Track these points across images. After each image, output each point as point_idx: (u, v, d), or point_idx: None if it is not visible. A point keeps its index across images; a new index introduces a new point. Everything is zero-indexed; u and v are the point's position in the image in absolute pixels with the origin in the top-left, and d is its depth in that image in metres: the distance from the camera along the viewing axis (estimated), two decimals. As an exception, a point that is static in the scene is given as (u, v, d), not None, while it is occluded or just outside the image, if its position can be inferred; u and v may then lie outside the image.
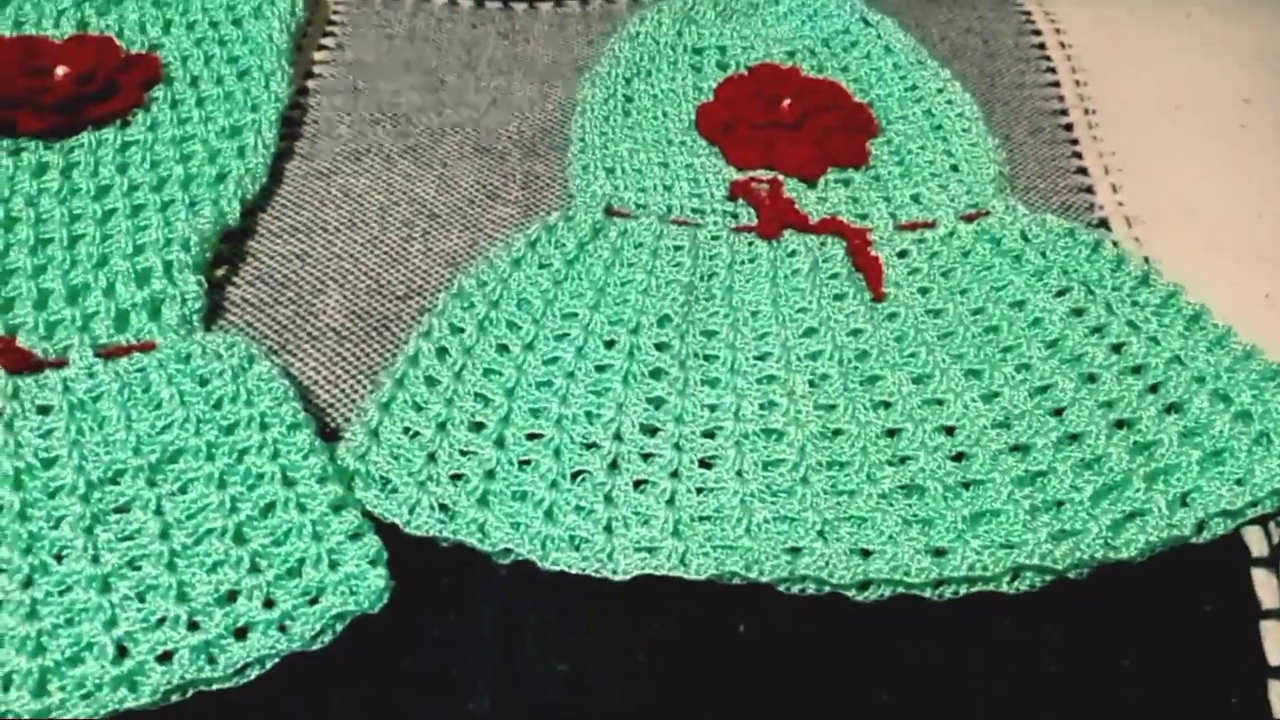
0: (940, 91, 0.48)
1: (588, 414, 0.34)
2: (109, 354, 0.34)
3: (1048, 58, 0.54)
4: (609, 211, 0.41)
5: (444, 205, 0.43)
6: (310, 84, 0.48)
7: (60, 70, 0.44)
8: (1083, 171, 0.47)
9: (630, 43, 0.49)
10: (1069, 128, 0.50)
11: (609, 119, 0.46)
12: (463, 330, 0.36)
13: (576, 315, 0.37)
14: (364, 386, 0.36)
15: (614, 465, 0.32)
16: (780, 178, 0.43)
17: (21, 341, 0.34)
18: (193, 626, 0.28)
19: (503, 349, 0.36)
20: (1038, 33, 0.56)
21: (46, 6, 0.48)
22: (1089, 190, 0.46)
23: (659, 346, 0.36)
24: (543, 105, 0.48)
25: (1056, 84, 0.53)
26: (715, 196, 0.42)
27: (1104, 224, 0.44)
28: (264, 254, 0.40)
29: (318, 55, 0.50)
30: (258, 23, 0.48)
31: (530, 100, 0.48)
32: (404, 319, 0.38)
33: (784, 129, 0.44)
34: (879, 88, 0.48)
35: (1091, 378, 0.35)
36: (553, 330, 0.36)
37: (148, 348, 0.34)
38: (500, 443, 0.33)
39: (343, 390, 0.35)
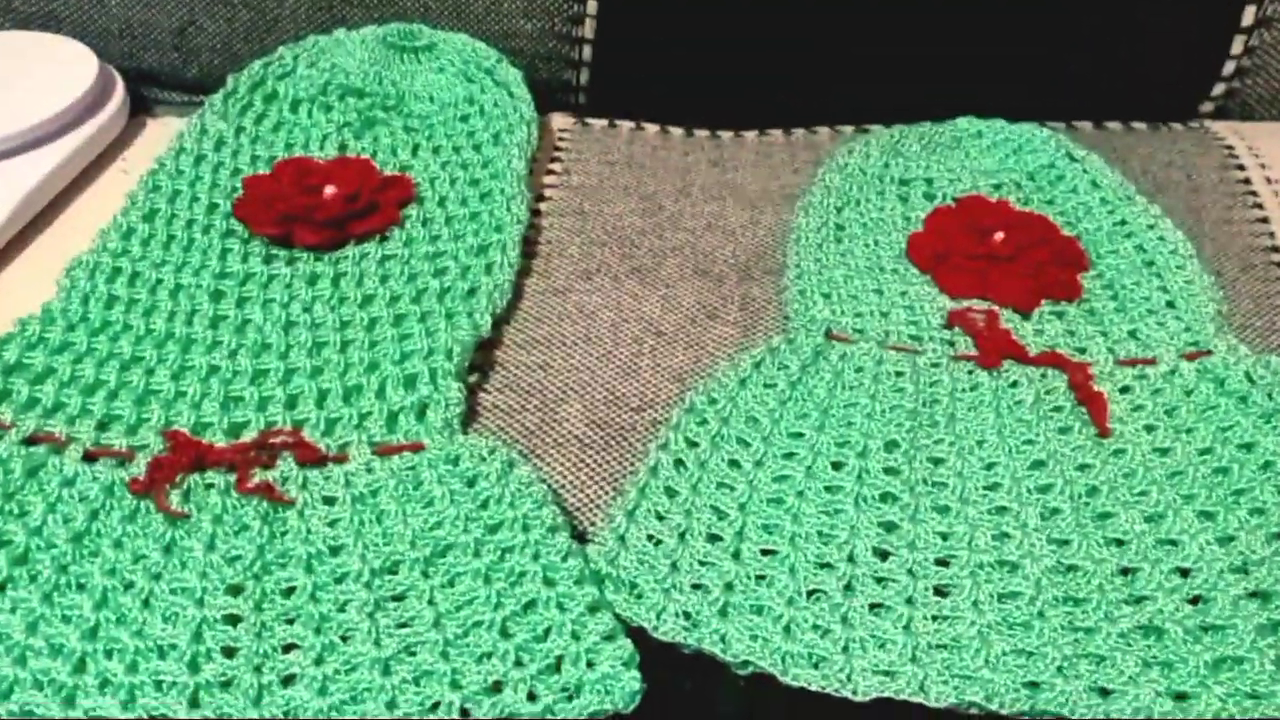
0: (1151, 227, 0.48)
1: (820, 534, 0.35)
2: (383, 451, 0.37)
3: (1254, 193, 0.54)
4: (828, 335, 0.43)
5: (669, 324, 0.45)
6: (542, 206, 0.52)
7: (329, 189, 0.49)
8: (1301, 311, 0.47)
9: (840, 173, 0.52)
10: (1281, 265, 0.50)
11: (823, 246, 0.48)
12: (697, 444, 0.38)
13: (803, 435, 0.38)
14: (607, 493, 0.38)
15: (849, 587, 0.34)
16: (996, 309, 0.44)
17: (307, 435, 0.38)
18: (463, 714, 0.30)
19: (734, 464, 0.38)
20: (1241, 168, 0.56)
21: (313, 131, 0.54)
22: (1309, 331, 0.46)
23: (888, 471, 0.37)
24: (754, 230, 0.51)
25: (1265, 219, 0.53)
26: (932, 324, 0.44)
27: (1329, 366, 0.44)
28: (510, 364, 0.43)
29: (546, 179, 0.54)
30: (497, 149, 0.53)
31: (742, 225, 0.51)
32: (639, 430, 0.40)
33: (998, 261, 0.45)
34: (1087, 222, 0.49)
35: (1333, 527, 0.35)
36: (781, 449, 0.38)
37: (417, 448, 0.37)
38: (737, 556, 0.35)
39: (587, 495, 0.38)
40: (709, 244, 0.50)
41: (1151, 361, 0.42)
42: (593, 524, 0.37)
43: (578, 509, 0.37)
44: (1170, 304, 0.45)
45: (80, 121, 0.54)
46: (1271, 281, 0.49)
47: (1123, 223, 0.49)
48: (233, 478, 0.36)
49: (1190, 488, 0.37)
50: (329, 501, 0.35)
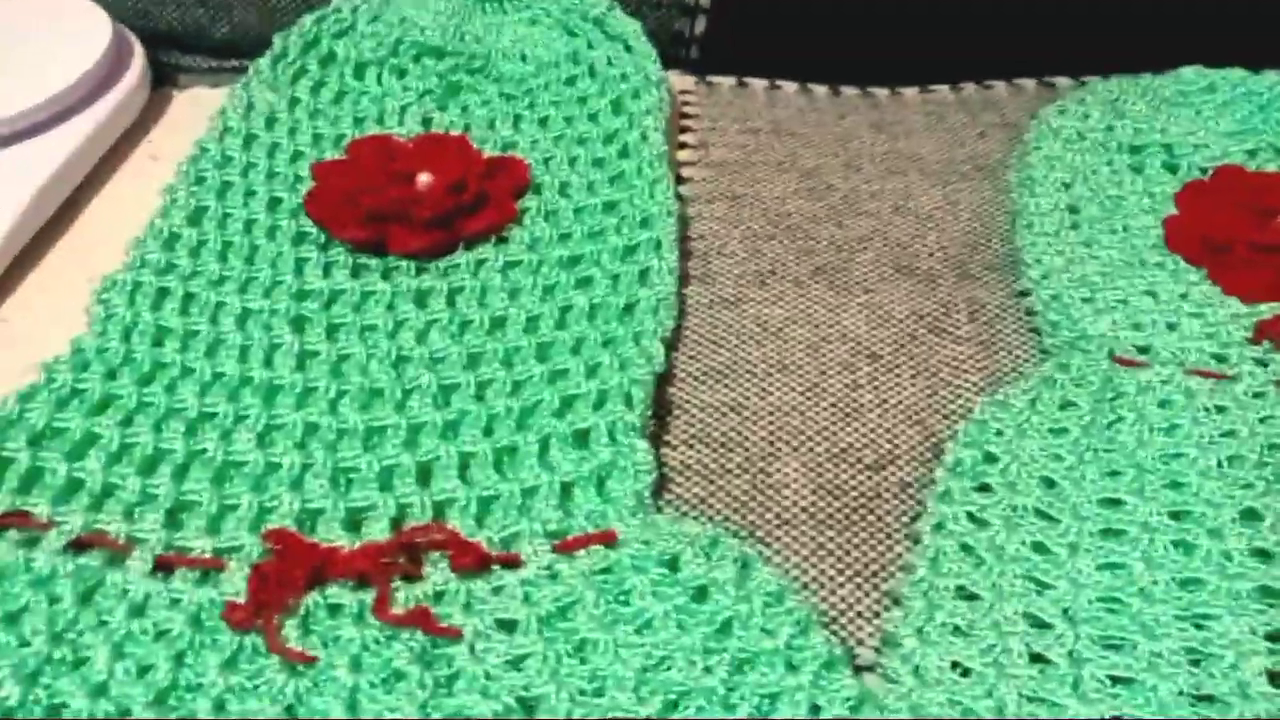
0: None
1: (1189, 652, 0.25)
2: (566, 547, 0.27)
3: None
4: (1114, 359, 0.33)
5: (883, 342, 0.35)
6: (682, 190, 0.42)
7: (423, 178, 0.39)
8: None
9: (1056, 139, 0.42)
10: None
11: (1059, 234, 0.38)
12: (987, 524, 0.28)
13: (1122, 505, 0.29)
14: (864, 593, 0.28)
15: (1248, 730, 0.24)
16: (1314, 316, 0.34)
17: (456, 524, 0.28)
18: None
19: (1040, 549, 0.28)
20: None
21: (387, 101, 0.43)
22: None
23: (1256, 554, 0.27)
24: (954, 213, 0.41)
25: None
26: (1234, 338, 0.34)
27: None
28: (691, 405, 0.33)
29: (680, 155, 0.44)
30: (620, 119, 0.42)
31: (937, 207, 0.41)
32: (885, 497, 0.30)
33: (1300, 251, 0.35)
34: (1376, 195, 0.39)
35: None
36: (1095, 523, 0.28)
37: (609, 539, 0.27)
38: (1076, 687, 0.25)
39: (840, 598, 0.28)
40: (903, 232, 0.40)
41: None
42: (860, 643, 0.27)
43: (833, 621, 0.28)
44: None
45: (94, 98, 0.43)
46: None
47: None
48: (369, 597, 0.25)
49: None
50: (506, 628, 0.25)
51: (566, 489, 0.29)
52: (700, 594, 0.26)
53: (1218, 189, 0.39)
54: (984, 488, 0.29)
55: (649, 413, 0.31)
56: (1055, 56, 0.49)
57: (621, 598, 0.26)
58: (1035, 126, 0.43)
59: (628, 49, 0.45)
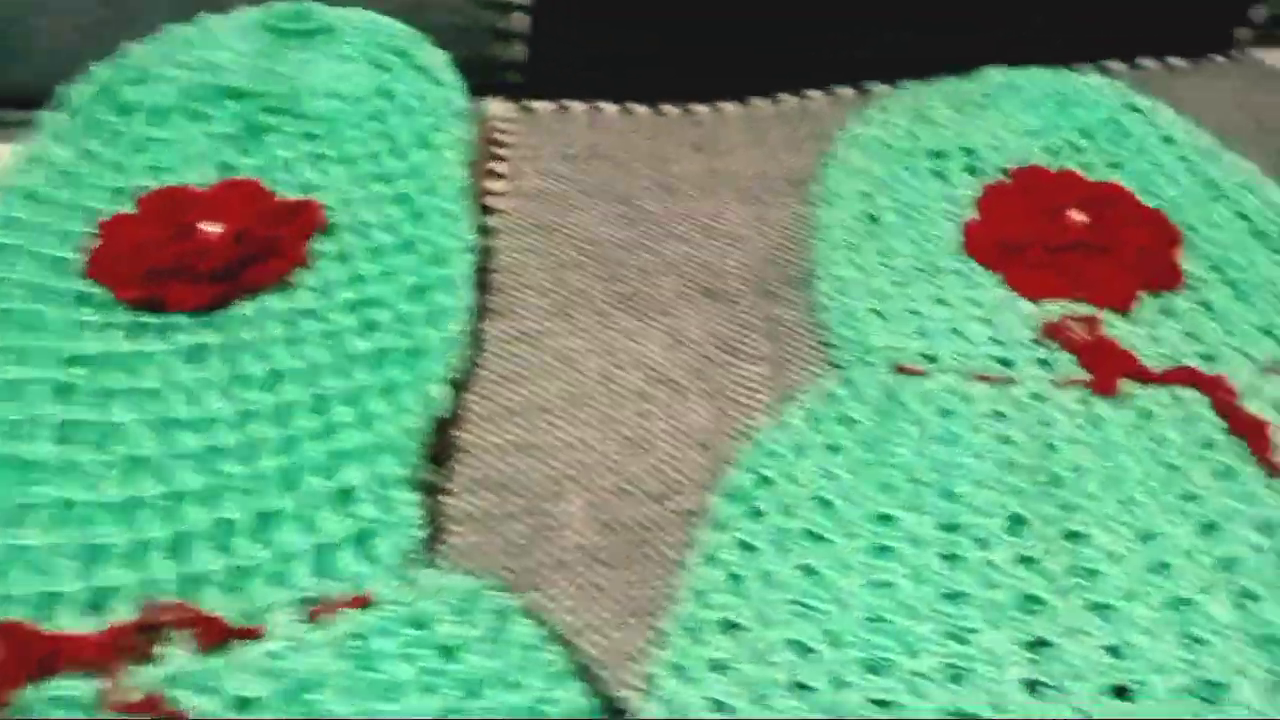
0: (1246, 188, 0.39)
1: (951, 669, 0.25)
2: (318, 614, 0.26)
3: (1334, 133, 0.46)
4: (896, 369, 0.33)
5: (679, 366, 0.35)
6: (489, 222, 0.41)
7: (208, 228, 0.37)
8: None
9: (857, 149, 0.42)
10: (1394, 218, 0.41)
11: (855, 246, 0.38)
12: (754, 549, 0.28)
13: (894, 520, 0.28)
14: (638, 634, 0.28)
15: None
16: (1098, 313, 0.35)
17: (208, 598, 0.26)
18: None
19: (809, 573, 0.27)
20: (1310, 102, 0.47)
21: (187, 149, 0.42)
22: None
23: (1021, 561, 0.27)
24: (763, 230, 0.41)
25: (1358, 163, 0.44)
26: (1019, 340, 0.34)
27: None
28: (479, 448, 0.32)
29: (491, 186, 0.43)
30: (423, 153, 0.42)
31: (747, 225, 0.41)
32: (667, 528, 0.30)
33: (1089, 250, 0.36)
34: (1169, 188, 0.40)
35: None
36: (870, 539, 0.28)
37: (362, 603, 0.26)
38: (836, 714, 0.25)
39: (610, 640, 0.27)
40: (711, 253, 0.40)
41: (1303, 364, 0.33)
42: (629, 688, 0.26)
43: (602, 667, 0.27)
44: (1301, 286, 0.36)
45: None
46: (1391, 240, 0.40)
47: (1211, 185, 0.40)
48: (99, 685, 0.24)
49: None
50: (244, 705, 0.24)
51: (329, 552, 0.28)
52: (449, 653, 0.25)
53: (1016, 191, 0.39)
54: (756, 513, 0.29)
55: (422, 463, 0.30)
56: (873, 62, 0.49)
57: (369, 664, 0.25)
58: (837, 136, 0.43)
59: (436, 82, 0.45)
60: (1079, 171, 0.40)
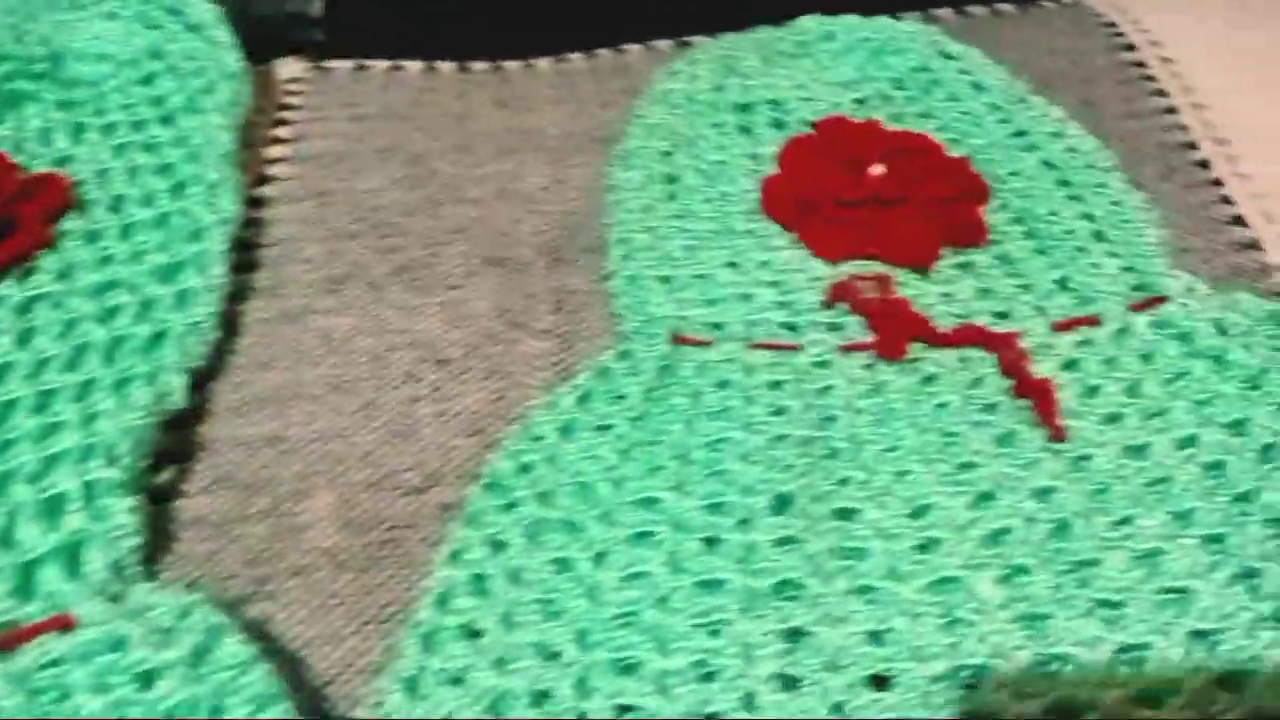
0: (1056, 135, 0.38)
1: (699, 666, 0.24)
2: (8, 642, 0.23)
3: (1152, 77, 0.45)
4: (674, 339, 0.31)
5: (456, 344, 0.32)
6: (266, 190, 0.38)
7: (-62, 206, 0.34)
8: (1239, 221, 0.38)
9: (662, 105, 0.39)
10: (1204, 165, 0.40)
11: (651, 208, 0.36)
12: (505, 546, 0.26)
13: (659, 502, 0.27)
14: (370, 644, 0.25)
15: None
16: (890, 272, 0.33)
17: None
18: None
19: (563, 566, 0.26)
20: (1131, 48, 0.46)
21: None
22: (1255, 246, 0.37)
23: (781, 543, 0.26)
24: (561, 192, 0.38)
25: (1173, 109, 0.43)
26: (807, 304, 0.32)
27: (1290, 289, 0.35)
28: (225, 442, 0.29)
29: (272, 151, 0.40)
30: (192, 118, 0.38)
31: (545, 187, 0.38)
32: (422, 524, 0.28)
33: (886, 204, 0.34)
34: (977, 137, 0.38)
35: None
36: (630, 526, 0.26)
37: (63, 625, 0.24)
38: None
39: (343, 654, 0.25)
40: (504, 218, 0.37)
41: (1094, 321, 0.32)
42: (359, 704, 0.24)
43: (331, 676, 0.25)
44: (1099, 235, 0.35)
45: None
46: (1198, 187, 0.40)
47: (1021, 133, 0.38)
48: None
49: (1183, 498, 0.27)
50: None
51: (29, 570, 0.25)
52: (146, 680, 0.22)
53: (816, 144, 0.37)
54: (511, 505, 0.27)
55: (145, 460, 0.28)
56: (697, 11, 0.47)
57: (59, 696, 0.22)
58: (644, 92, 0.41)
59: (210, 41, 0.41)
60: (887, 122, 0.39)
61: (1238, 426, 0.29)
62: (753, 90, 0.40)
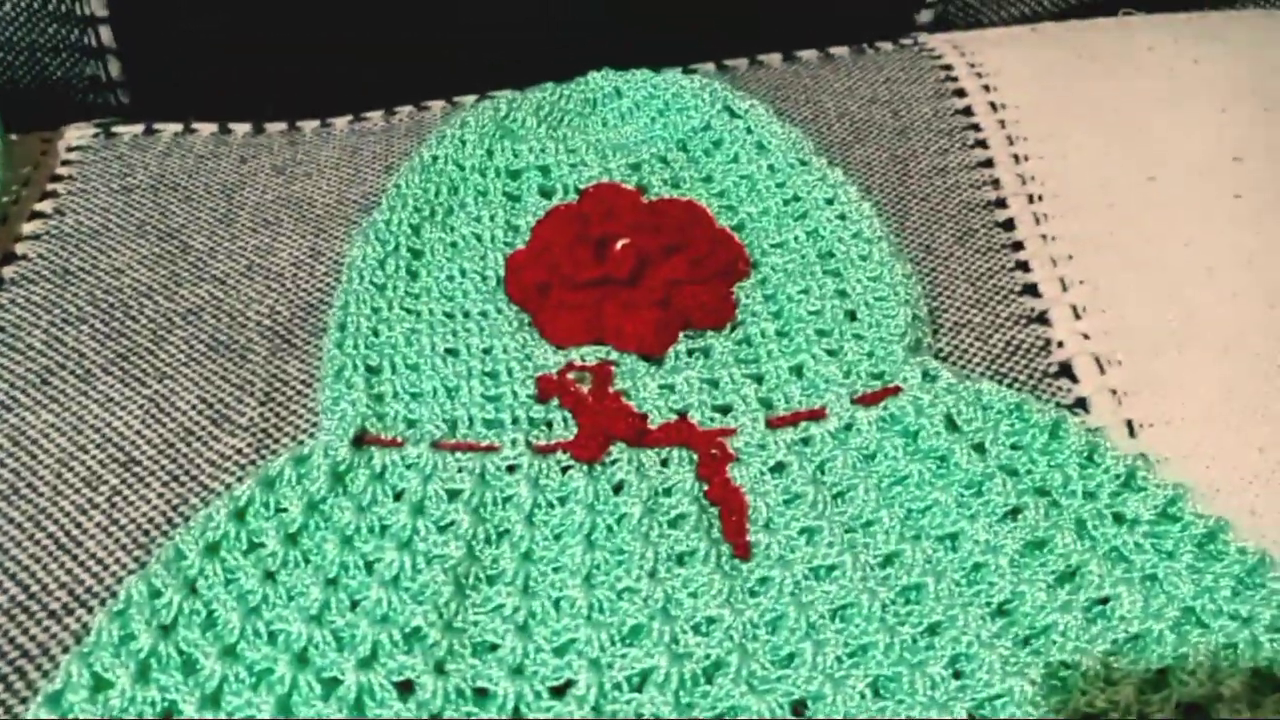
0: (830, 203, 0.36)
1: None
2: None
3: (976, 126, 0.43)
4: (360, 440, 0.29)
5: (150, 443, 0.31)
6: (6, 271, 0.36)
7: None
8: (1032, 290, 0.36)
9: (423, 173, 0.37)
10: (1009, 225, 0.38)
11: (385, 288, 0.34)
12: (110, 685, 0.24)
13: (285, 635, 0.25)
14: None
15: None
16: (613, 361, 0.31)
17: None
18: None
19: (171, 708, 0.24)
20: (962, 93, 0.44)
21: None
22: (1042, 319, 0.34)
23: (399, 686, 0.24)
24: (314, 268, 0.36)
25: (989, 163, 0.41)
26: (519, 398, 0.30)
27: (1066, 370, 0.33)
28: None
29: (27, 228, 0.38)
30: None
31: (298, 262, 0.37)
32: (52, 652, 0.26)
33: (615, 285, 0.32)
34: (751, 203, 0.36)
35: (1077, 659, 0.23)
36: (250, 661, 0.24)
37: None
38: None
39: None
40: (244, 297, 0.35)
41: (820, 414, 0.30)
42: None
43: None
44: (851, 315, 0.32)
45: None
46: (994, 252, 0.37)
47: (794, 199, 0.36)
48: None
49: (865, 631, 0.24)
50: None
51: None
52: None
53: (569, 217, 0.35)
54: (129, 636, 0.25)
55: None
56: (504, 66, 0.45)
57: None
58: (410, 159, 0.39)
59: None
60: (662, 188, 0.36)
61: (951, 541, 0.26)
62: (523, 155, 0.38)
